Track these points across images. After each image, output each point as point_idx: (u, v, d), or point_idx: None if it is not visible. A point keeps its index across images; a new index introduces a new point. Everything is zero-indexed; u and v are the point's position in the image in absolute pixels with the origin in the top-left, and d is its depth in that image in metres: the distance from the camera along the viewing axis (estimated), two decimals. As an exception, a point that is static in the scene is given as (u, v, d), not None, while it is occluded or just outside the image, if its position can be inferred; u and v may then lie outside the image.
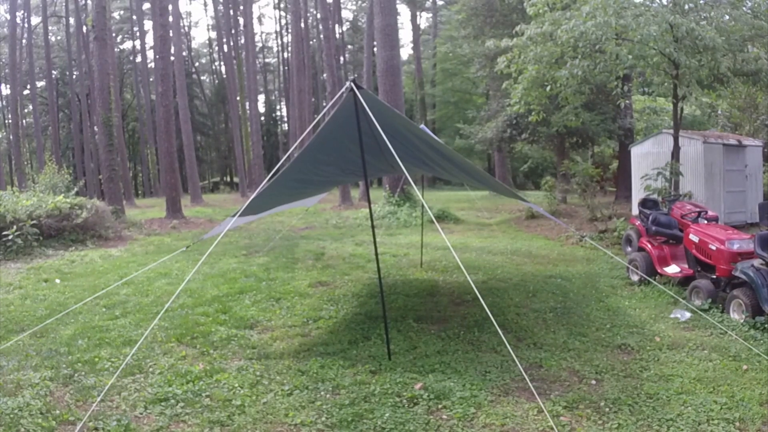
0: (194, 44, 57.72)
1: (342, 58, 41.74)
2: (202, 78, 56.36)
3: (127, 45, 47.61)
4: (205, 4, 61.91)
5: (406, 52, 50.15)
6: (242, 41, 37.59)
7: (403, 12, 47.43)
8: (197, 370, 4.55)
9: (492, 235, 13.11)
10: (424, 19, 52.14)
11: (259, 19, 57.92)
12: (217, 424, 3.66)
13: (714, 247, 6.24)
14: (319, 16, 32.21)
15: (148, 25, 37.96)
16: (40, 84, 41.60)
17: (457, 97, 39.42)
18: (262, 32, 61.83)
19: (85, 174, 34.65)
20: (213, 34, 54.11)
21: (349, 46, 51.68)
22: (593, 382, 4.25)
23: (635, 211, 10.64)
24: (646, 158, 13.36)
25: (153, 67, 31.38)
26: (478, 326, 5.58)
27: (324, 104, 33.82)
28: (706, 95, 12.79)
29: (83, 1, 35.41)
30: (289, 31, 44.01)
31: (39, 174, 17.53)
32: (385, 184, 17.76)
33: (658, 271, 7.26)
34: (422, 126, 6.58)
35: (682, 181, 11.44)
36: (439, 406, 3.86)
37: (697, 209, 7.76)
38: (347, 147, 5.53)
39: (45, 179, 15.82)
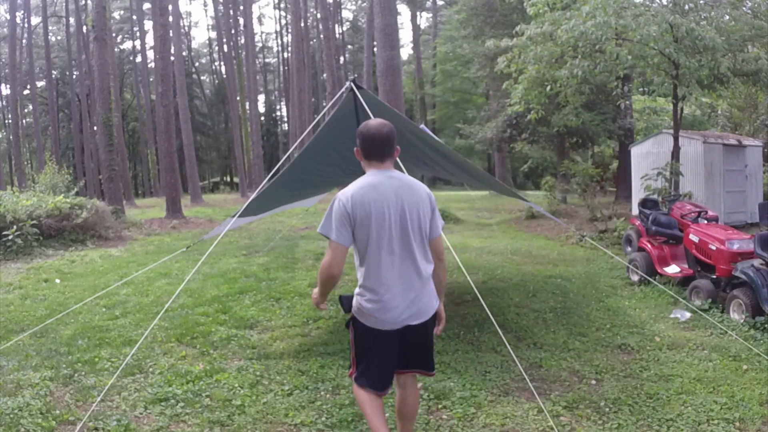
0: (194, 44, 57.84)
1: (342, 58, 41.80)
2: (202, 78, 56.42)
3: (127, 45, 47.73)
4: (205, 4, 62.03)
5: (406, 52, 50.24)
6: (242, 41, 37.58)
7: (403, 12, 47.54)
8: (197, 370, 4.55)
9: (492, 235, 13.10)
10: (424, 19, 52.28)
11: (259, 19, 58.01)
12: (217, 424, 3.66)
13: (714, 247, 6.24)
14: (319, 16, 32.22)
15: (148, 25, 37.97)
16: (40, 84, 41.61)
17: (457, 97, 39.42)
18: (262, 32, 61.86)
19: (85, 174, 34.62)
20: (213, 34, 54.19)
21: (349, 46, 51.76)
22: (593, 382, 4.25)
23: (635, 211, 10.64)
24: (646, 158, 13.35)
25: (153, 67, 31.41)
26: (478, 326, 5.57)
27: (324, 104, 33.80)
28: (706, 95, 12.79)
29: (83, 1, 35.41)
30: (289, 31, 44.02)
31: (39, 174, 17.51)
32: (385, 184, 17.71)
33: (658, 271, 7.25)
34: (422, 126, 6.58)
35: (682, 181, 11.44)
36: (439, 406, 3.86)
37: (697, 209, 7.75)
38: (347, 147, 5.51)
39: (45, 179, 15.80)
